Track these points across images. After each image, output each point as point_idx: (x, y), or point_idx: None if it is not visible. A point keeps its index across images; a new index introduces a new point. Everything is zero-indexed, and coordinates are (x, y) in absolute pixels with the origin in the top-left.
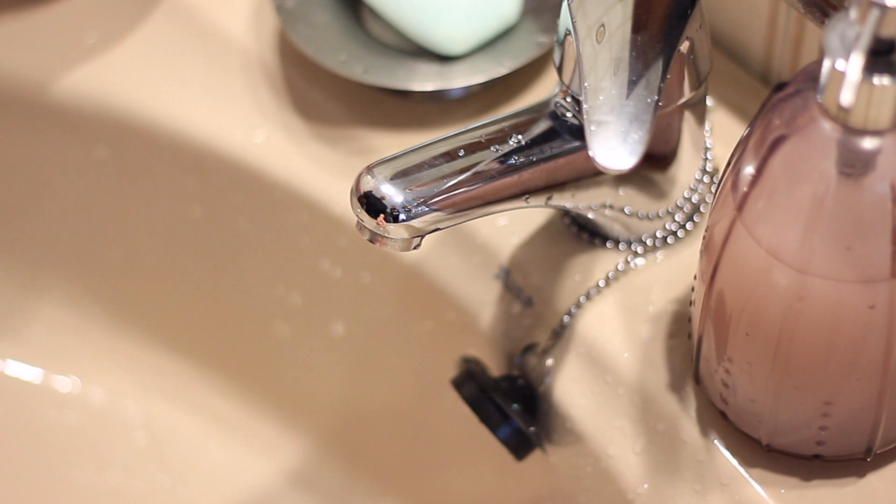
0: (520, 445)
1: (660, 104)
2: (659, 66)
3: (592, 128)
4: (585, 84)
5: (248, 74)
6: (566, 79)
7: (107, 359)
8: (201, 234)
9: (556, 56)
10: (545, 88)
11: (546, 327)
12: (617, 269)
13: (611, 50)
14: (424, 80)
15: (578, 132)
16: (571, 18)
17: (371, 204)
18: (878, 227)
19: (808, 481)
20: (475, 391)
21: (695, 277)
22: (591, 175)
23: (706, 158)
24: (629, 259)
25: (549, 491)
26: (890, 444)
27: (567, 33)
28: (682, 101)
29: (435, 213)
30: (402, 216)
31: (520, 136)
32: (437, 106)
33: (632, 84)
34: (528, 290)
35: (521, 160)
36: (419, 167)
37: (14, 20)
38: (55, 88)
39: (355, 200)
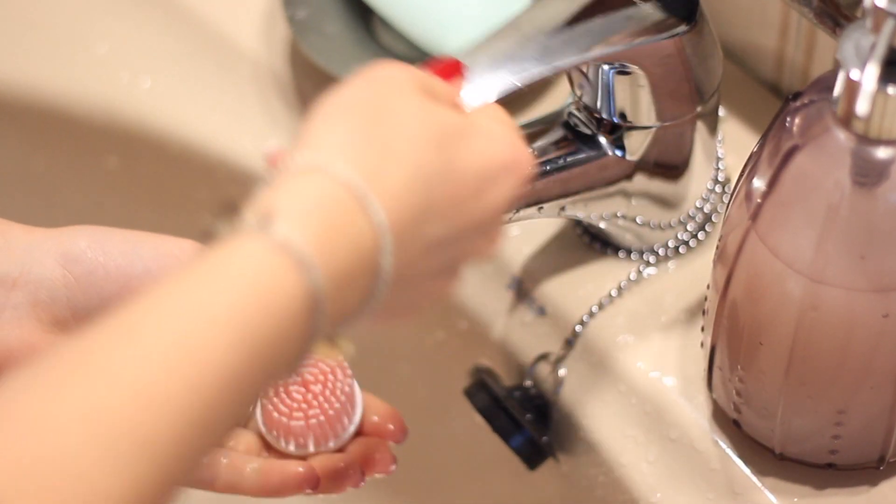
0: (532, 455)
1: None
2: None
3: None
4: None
5: (260, 84)
6: (578, 88)
7: None
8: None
9: None
10: (557, 98)
11: (558, 337)
12: (629, 279)
13: None
14: None
15: (591, 142)
16: None
17: None
18: (893, 236)
19: (821, 490)
20: (488, 401)
21: (708, 287)
22: (604, 185)
23: (718, 168)
24: (641, 268)
25: (562, 500)
26: None
27: None
28: (694, 112)
29: None
30: None
31: (532, 147)
32: None
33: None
34: (541, 299)
35: (534, 170)
36: None
37: (24, 32)
38: (66, 99)
39: None
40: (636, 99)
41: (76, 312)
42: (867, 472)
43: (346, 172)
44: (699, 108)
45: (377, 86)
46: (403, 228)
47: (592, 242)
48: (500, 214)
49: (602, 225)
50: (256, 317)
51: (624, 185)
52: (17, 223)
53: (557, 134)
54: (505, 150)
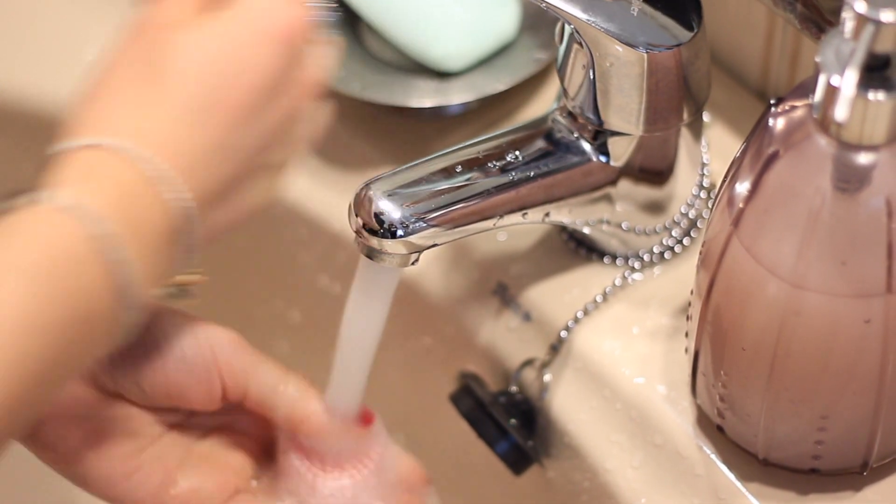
0: (518, 460)
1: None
2: None
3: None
4: None
5: None
6: (572, 89)
7: None
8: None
9: (559, 63)
10: (543, 104)
11: (544, 342)
12: (614, 285)
13: None
14: (422, 96)
15: (575, 148)
16: None
17: (369, 220)
18: (874, 242)
19: (805, 495)
20: (473, 406)
21: (692, 292)
22: (589, 191)
23: (703, 174)
24: (626, 274)
25: None
26: (886, 458)
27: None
28: (680, 125)
29: (432, 229)
30: (399, 232)
31: (517, 152)
32: (435, 122)
33: None
34: (526, 305)
35: (519, 176)
36: (417, 183)
37: (13, 38)
38: (55, 105)
39: (353, 217)
40: (622, 106)
41: (116, 381)
42: (851, 477)
43: (115, 142)
44: (685, 120)
45: (143, 36)
46: (190, 163)
47: (578, 248)
48: (297, 87)
49: (587, 230)
50: (47, 264)
51: (608, 190)
52: None
53: (542, 139)
54: (271, 27)
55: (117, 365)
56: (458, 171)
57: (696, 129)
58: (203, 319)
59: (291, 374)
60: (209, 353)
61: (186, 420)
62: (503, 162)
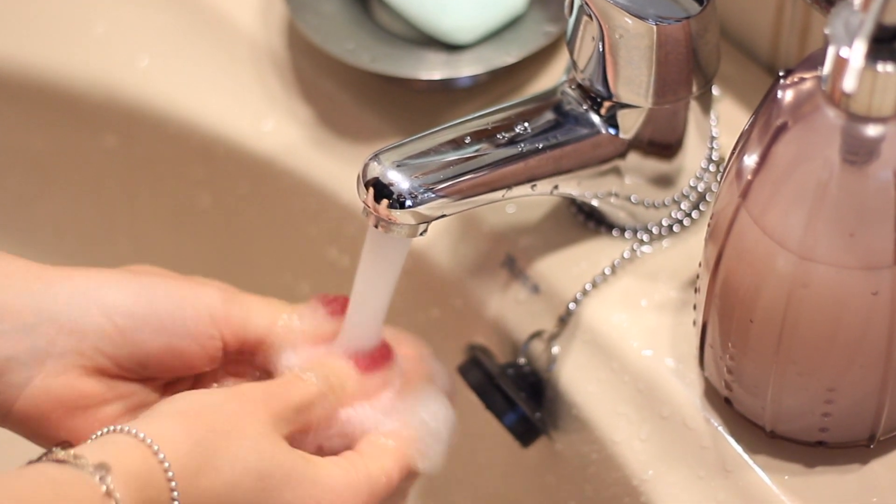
0: (526, 432)
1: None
2: None
3: None
4: None
5: (257, 63)
6: (581, 62)
7: None
8: (210, 222)
9: (569, 35)
10: (552, 77)
11: (552, 315)
12: (623, 257)
13: None
14: (432, 68)
15: (584, 120)
16: None
17: (378, 190)
18: (882, 214)
19: (812, 468)
20: (481, 378)
21: (700, 265)
22: (598, 163)
23: (712, 147)
24: (635, 247)
25: (555, 477)
26: (893, 431)
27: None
28: (690, 97)
29: (441, 200)
30: (408, 202)
31: (526, 124)
32: (444, 95)
33: None
34: (535, 277)
35: (527, 148)
36: (426, 154)
37: (22, 10)
38: (64, 78)
39: (362, 187)
40: (631, 78)
41: (119, 363)
42: (858, 450)
43: (170, 462)
44: (695, 92)
45: (238, 403)
46: None
47: (586, 221)
48: None
49: (596, 203)
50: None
51: (617, 163)
52: (51, 266)
53: (551, 111)
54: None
55: (121, 350)
56: (466, 142)
57: (706, 102)
58: (192, 281)
59: (279, 305)
60: (208, 318)
61: (177, 380)
62: (512, 133)
